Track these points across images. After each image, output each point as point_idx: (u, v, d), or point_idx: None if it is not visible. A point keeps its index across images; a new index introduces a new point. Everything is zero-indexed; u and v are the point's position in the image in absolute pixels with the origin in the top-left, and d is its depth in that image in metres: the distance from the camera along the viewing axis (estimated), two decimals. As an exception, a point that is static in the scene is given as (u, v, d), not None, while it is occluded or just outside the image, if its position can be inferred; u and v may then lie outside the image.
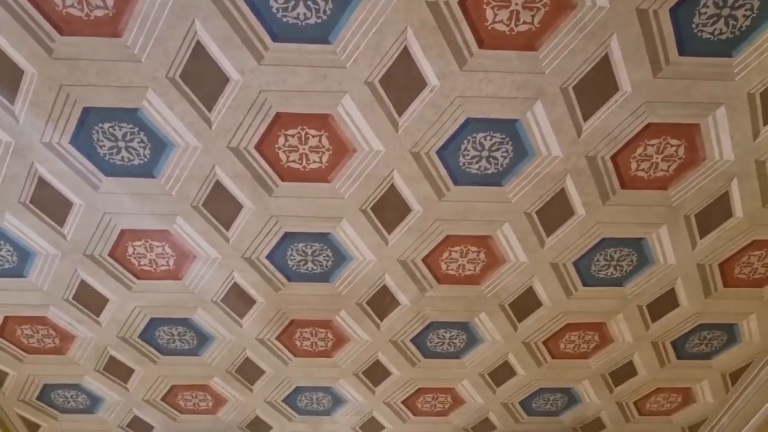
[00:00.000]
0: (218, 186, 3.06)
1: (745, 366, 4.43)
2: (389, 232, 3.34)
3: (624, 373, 4.47)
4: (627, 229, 3.35)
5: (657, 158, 3.00)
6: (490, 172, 3.05)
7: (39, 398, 4.52)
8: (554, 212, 3.26)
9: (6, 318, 3.82)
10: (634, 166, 3.03)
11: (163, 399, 4.60)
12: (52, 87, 2.61)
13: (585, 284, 3.71)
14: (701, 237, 3.42)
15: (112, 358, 4.16)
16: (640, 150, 2.97)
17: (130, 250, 3.40)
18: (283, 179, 3.06)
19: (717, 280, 3.69)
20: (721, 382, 4.58)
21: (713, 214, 3.29)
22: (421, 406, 4.78)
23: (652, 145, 2.95)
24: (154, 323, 3.91)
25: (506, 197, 3.17)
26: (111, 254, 3.41)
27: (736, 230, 3.39)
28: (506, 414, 4.86)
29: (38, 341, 3.99)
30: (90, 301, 3.69)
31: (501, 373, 4.44)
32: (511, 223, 3.30)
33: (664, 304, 3.86)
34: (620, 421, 5.00)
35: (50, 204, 3.12)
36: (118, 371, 4.28)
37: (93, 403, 4.59)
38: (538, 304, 3.85)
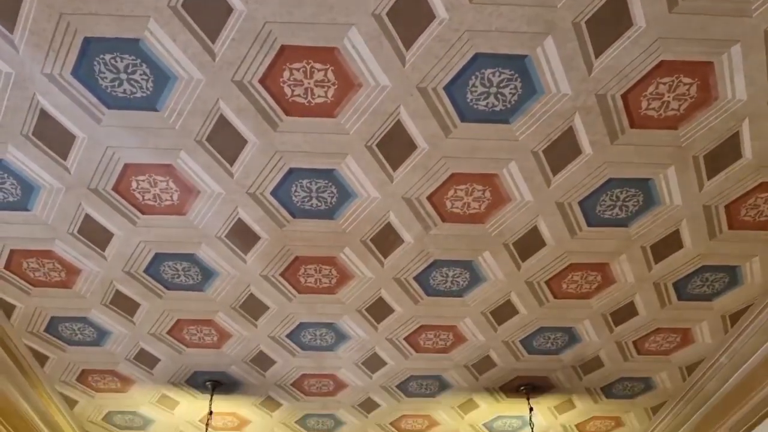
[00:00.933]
0: (222, 120, 3.02)
1: (745, 308, 4.47)
2: (394, 169, 3.32)
3: (625, 313, 4.52)
4: (634, 169, 3.33)
5: (668, 97, 2.95)
6: (497, 109, 3.01)
7: (46, 330, 4.59)
8: (561, 151, 3.23)
9: (12, 251, 3.84)
10: (644, 104, 2.98)
11: (168, 333, 4.66)
12: (52, 15, 2.55)
13: (590, 224, 3.71)
14: (709, 178, 3.40)
15: (118, 292, 4.20)
16: (651, 88, 2.91)
17: (134, 184, 3.39)
18: (287, 114, 3.02)
19: (722, 221, 3.68)
20: (721, 324, 4.63)
21: (722, 155, 3.26)
22: (423, 343, 4.85)
23: (664, 84, 2.89)
24: (159, 258, 3.93)
25: (513, 135, 3.13)
26: (115, 188, 3.40)
27: (744, 172, 3.36)
28: (507, 352, 4.93)
29: (44, 275, 4.03)
30: (95, 235, 3.70)
31: (503, 312, 4.49)
32: (518, 162, 3.27)
33: (668, 245, 3.87)
34: (618, 360, 5.08)
35: (53, 137, 3.09)
36: (124, 305, 4.33)
37: (100, 336, 4.66)
38: (542, 243, 3.85)
